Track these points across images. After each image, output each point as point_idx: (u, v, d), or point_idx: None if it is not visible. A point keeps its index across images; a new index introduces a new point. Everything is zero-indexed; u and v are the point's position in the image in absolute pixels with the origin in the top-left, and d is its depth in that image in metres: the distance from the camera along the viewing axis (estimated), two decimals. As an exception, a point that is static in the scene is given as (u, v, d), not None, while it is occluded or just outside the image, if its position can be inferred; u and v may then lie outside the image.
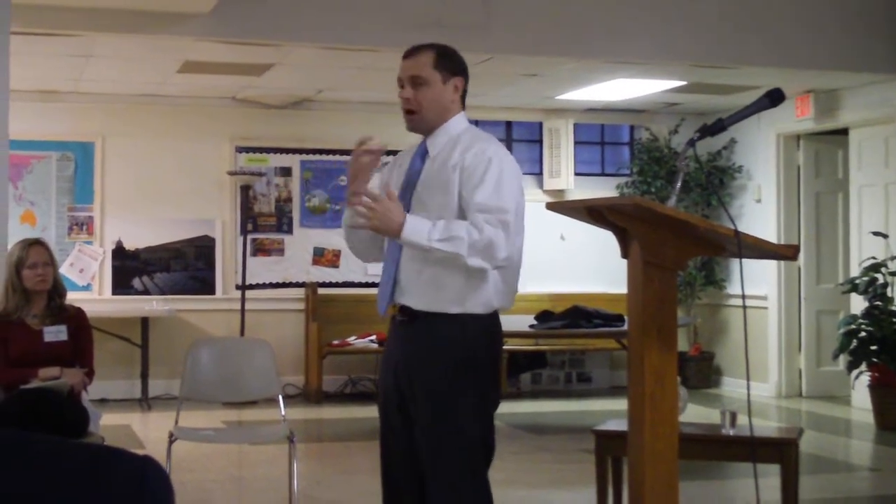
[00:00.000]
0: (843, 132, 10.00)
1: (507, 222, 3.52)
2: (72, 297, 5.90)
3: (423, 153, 3.72)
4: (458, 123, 3.73)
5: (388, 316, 3.74)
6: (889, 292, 8.86)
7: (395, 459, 3.70)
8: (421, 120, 3.67)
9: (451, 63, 3.71)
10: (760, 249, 3.81)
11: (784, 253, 4.13)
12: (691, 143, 3.67)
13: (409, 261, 3.60)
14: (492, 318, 3.67)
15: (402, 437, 3.66)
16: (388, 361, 3.74)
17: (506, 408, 9.61)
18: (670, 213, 3.54)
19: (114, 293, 9.95)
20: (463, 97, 3.77)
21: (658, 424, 3.57)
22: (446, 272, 3.55)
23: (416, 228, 3.44)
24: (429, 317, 3.60)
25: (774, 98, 3.70)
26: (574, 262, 10.94)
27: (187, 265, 10.19)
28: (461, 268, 3.50)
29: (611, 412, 8.26)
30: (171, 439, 5.38)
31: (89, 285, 9.89)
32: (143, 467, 1.53)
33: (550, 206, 3.97)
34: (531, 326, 8.15)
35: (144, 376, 9.65)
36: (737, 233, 3.47)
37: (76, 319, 5.57)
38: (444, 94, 3.68)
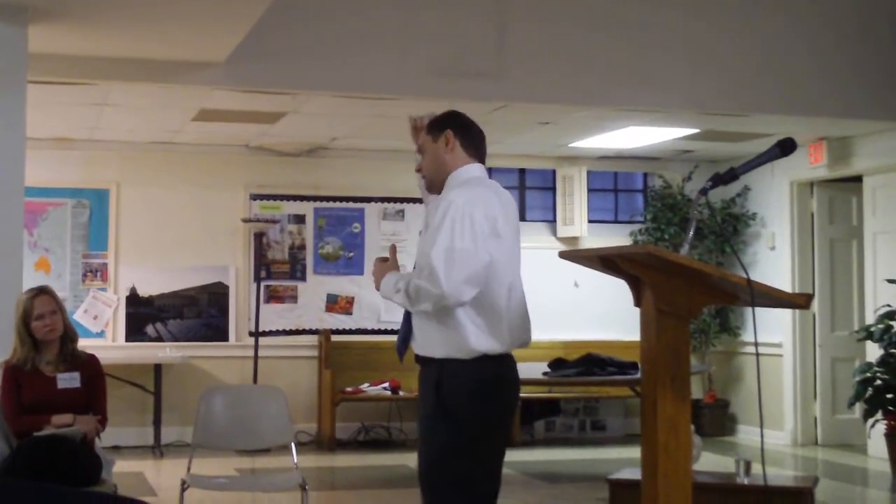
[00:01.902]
0: (857, 179, 10.00)
1: (432, 267, 3.62)
2: (85, 344, 5.92)
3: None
4: (459, 176, 3.87)
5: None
6: (904, 340, 8.82)
7: None
8: (429, 181, 3.96)
9: (439, 123, 3.96)
10: (774, 298, 3.81)
11: (797, 301, 4.12)
12: (704, 191, 3.68)
13: None
14: (477, 363, 3.71)
15: None
16: None
17: (519, 456, 9.62)
18: (683, 261, 3.54)
19: (127, 340, 9.96)
20: (467, 147, 3.91)
21: (672, 473, 3.56)
22: (425, 319, 3.76)
23: (387, 283, 3.81)
24: (423, 360, 3.82)
25: (786, 147, 3.72)
26: (588, 309, 10.92)
27: (201, 312, 10.21)
28: (433, 315, 3.71)
29: (625, 460, 8.21)
30: (184, 487, 5.36)
31: (103, 332, 9.91)
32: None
33: (563, 255, 3.98)
34: (545, 374, 8.13)
35: (157, 423, 9.63)
36: (749, 282, 3.47)
37: (89, 366, 5.58)
38: (438, 150, 3.90)
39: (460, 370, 3.70)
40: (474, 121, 4.03)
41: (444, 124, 3.94)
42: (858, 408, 9.08)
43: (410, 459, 9.38)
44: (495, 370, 3.76)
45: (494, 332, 3.73)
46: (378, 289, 3.85)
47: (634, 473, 4.27)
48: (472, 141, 3.94)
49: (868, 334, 9.02)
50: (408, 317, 3.84)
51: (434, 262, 3.63)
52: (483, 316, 3.71)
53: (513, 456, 10.03)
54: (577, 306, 10.92)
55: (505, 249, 3.79)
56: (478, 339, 3.70)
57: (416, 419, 4.10)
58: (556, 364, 8.19)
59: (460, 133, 3.92)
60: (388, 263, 3.89)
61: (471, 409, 3.70)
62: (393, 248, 3.97)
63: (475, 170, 3.91)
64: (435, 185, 3.92)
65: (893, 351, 8.77)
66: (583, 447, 10.33)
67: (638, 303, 3.71)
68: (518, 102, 8.24)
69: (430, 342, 3.76)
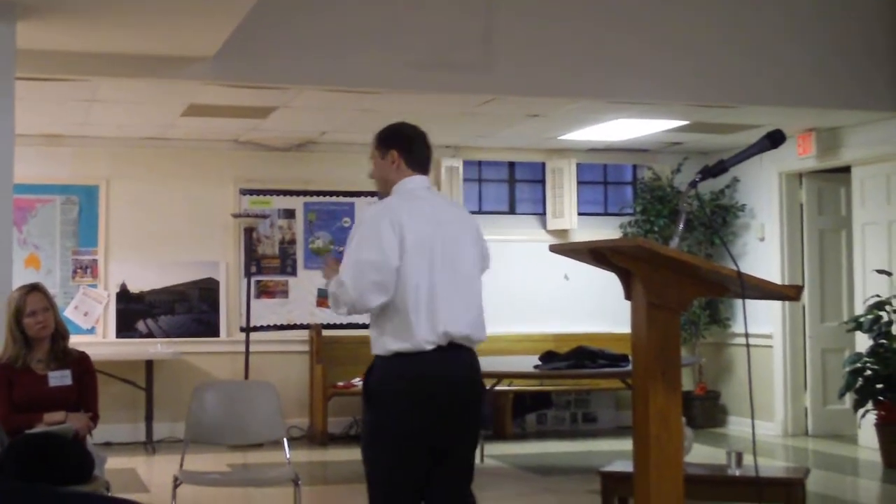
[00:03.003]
0: (846, 170, 10.02)
1: (341, 280, 4.04)
2: (76, 341, 5.91)
3: None
4: (397, 188, 4.23)
5: None
6: (894, 330, 8.85)
7: None
8: (379, 192, 4.31)
9: (387, 140, 4.28)
10: (764, 290, 3.82)
11: (787, 293, 4.13)
12: (693, 184, 3.69)
13: None
14: (394, 360, 4.06)
15: None
16: None
17: (511, 448, 9.64)
18: (673, 254, 3.55)
19: (118, 336, 9.95)
20: (410, 164, 4.25)
21: (663, 465, 3.57)
22: (370, 321, 4.16)
23: (329, 284, 4.15)
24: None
25: (775, 139, 3.73)
26: (578, 302, 10.94)
27: (191, 308, 10.20)
28: (372, 315, 4.12)
29: (617, 452, 8.24)
30: (177, 483, 5.37)
31: (93, 328, 9.90)
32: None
33: (553, 249, 3.98)
34: (536, 367, 8.15)
35: (149, 419, 9.62)
36: (739, 274, 3.48)
37: (81, 364, 5.57)
38: (384, 166, 4.25)
39: (380, 366, 4.09)
40: (421, 131, 4.32)
41: (391, 143, 4.26)
42: (849, 398, 9.11)
43: (402, 453, 9.39)
44: (409, 367, 4.04)
45: (402, 333, 4.04)
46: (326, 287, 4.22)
47: (626, 466, 4.29)
48: (416, 157, 4.27)
49: (857, 325, 9.05)
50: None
51: (342, 275, 4.04)
52: (394, 318, 4.05)
53: (504, 449, 10.11)
54: (567, 299, 10.94)
55: (422, 257, 4.06)
56: (392, 340, 4.05)
57: None
58: (547, 357, 8.21)
59: (405, 152, 4.25)
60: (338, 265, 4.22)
61: (385, 397, 4.07)
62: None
63: (412, 182, 4.24)
64: (383, 195, 4.27)
65: (883, 341, 8.80)
66: (574, 440, 10.35)
67: (628, 296, 3.72)
68: (507, 95, 8.24)
69: (372, 341, 4.16)
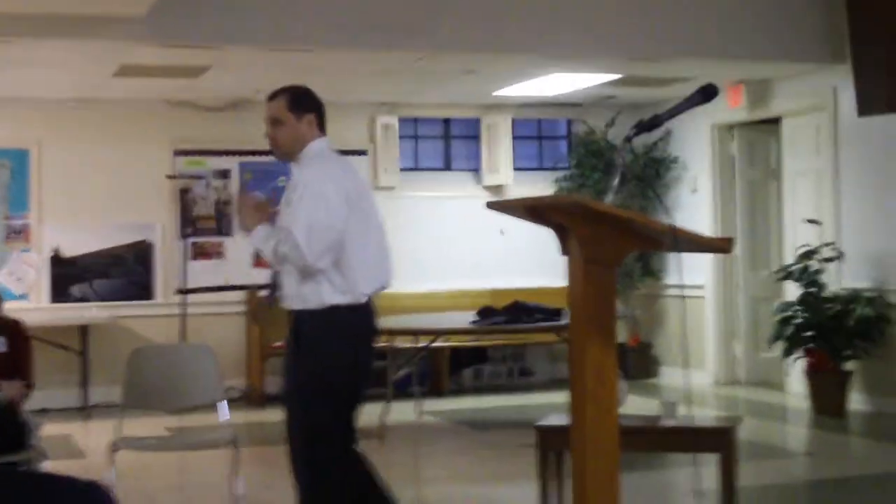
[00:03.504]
0: (776, 121, 10.15)
1: (296, 242, 4.22)
2: (9, 307, 5.85)
3: (288, 182, 4.57)
4: (310, 150, 4.45)
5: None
6: (822, 279, 9.01)
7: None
8: (281, 154, 4.51)
9: (303, 103, 4.48)
10: (696, 243, 3.87)
11: (719, 246, 4.19)
12: (628, 139, 3.73)
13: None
14: (329, 312, 4.32)
15: None
16: None
17: (448, 404, 9.70)
18: (608, 209, 3.59)
19: (52, 301, 9.85)
20: (321, 127, 4.52)
21: (599, 418, 3.63)
22: (288, 278, 4.37)
23: (259, 235, 4.39)
24: (289, 310, 4.46)
25: (708, 93, 3.77)
26: (515, 257, 10.99)
27: (126, 271, 10.11)
28: (295, 274, 4.31)
29: (553, 405, 8.33)
30: (114, 448, 5.34)
31: (27, 294, 9.79)
32: (90, 493, 1.53)
33: (491, 206, 4.00)
34: (473, 323, 8.20)
35: (85, 385, 9.56)
36: (672, 228, 3.52)
37: (14, 330, 5.53)
38: (299, 129, 4.45)
39: (319, 318, 4.31)
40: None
41: (307, 106, 4.48)
42: (779, 346, 9.27)
43: (342, 411, 9.42)
44: (350, 318, 4.35)
45: (343, 287, 4.31)
46: (247, 231, 4.43)
47: (562, 419, 4.35)
48: (323, 120, 4.54)
49: (787, 274, 9.19)
50: (276, 272, 4.48)
51: (297, 237, 4.21)
52: (339, 275, 4.30)
53: (441, 404, 10.16)
54: (503, 254, 10.99)
55: (357, 214, 4.35)
56: (331, 295, 4.30)
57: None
58: (484, 312, 8.27)
59: (319, 116, 4.51)
60: (262, 212, 4.46)
61: (326, 348, 4.32)
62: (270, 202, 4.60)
63: (323, 143, 4.50)
64: (289, 156, 4.49)
65: (812, 290, 8.95)
66: (510, 394, 10.44)
67: (564, 251, 3.75)
68: (441, 52, 8.23)
69: (293, 297, 4.37)
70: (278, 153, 4.54)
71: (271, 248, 4.32)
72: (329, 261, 4.26)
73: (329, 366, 4.34)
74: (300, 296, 4.33)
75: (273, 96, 4.52)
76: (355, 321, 4.37)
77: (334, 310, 4.30)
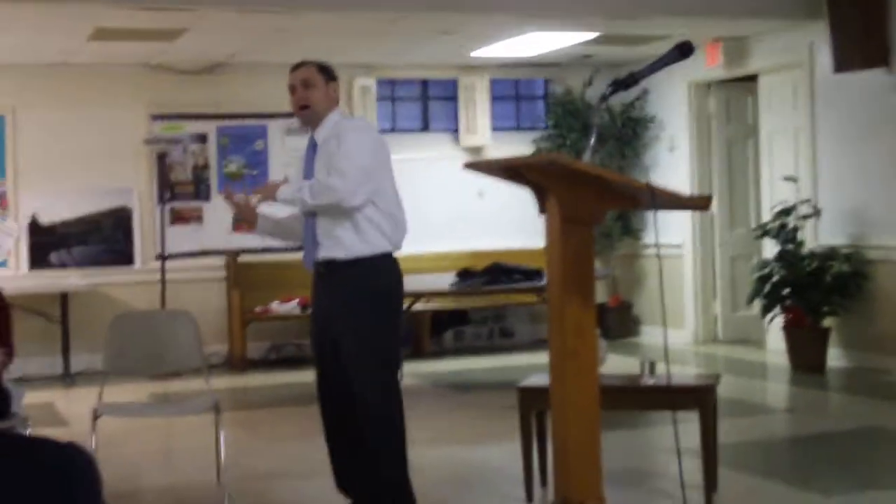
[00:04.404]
0: (753, 79, 10.16)
1: (342, 170, 4.50)
2: (-12, 275, 5.83)
3: (313, 145, 4.73)
4: (335, 116, 4.74)
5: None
6: (800, 236, 9.05)
7: (333, 394, 4.76)
8: (312, 113, 4.71)
9: (330, 71, 4.78)
10: (674, 202, 3.90)
11: (697, 204, 4.21)
12: (604, 98, 3.74)
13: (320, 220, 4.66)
14: (384, 258, 4.66)
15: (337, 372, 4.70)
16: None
17: (429, 366, 9.74)
18: (586, 169, 3.60)
19: (31, 269, 9.81)
20: (336, 100, 4.81)
21: (579, 378, 3.65)
22: (336, 225, 4.59)
23: (286, 190, 4.67)
24: (337, 263, 4.64)
25: (684, 50, 3.78)
26: (493, 218, 11.00)
27: (105, 237, 10.07)
28: (341, 224, 4.57)
29: (534, 366, 8.35)
30: (96, 415, 5.35)
31: (5, 262, 9.75)
32: (69, 454, 1.54)
33: (468, 166, 4.01)
34: (452, 285, 8.22)
35: (66, 352, 9.54)
36: (649, 186, 3.54)
37: (-7, 299, 5.49)
38: (328, 93, 4.73)
39: (372, 264, 4.62)
40: None
41: (332, 75, 4.78)
42: (757, 304, 9.33)
43: (323, 374, 9.44)
44: (394, 266, 4.72)
45: (389, 235, 4.65)
46: (275, 198, 4.69)
47: (543, 379, 4.37)
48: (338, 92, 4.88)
49: (765, 232, 9.23)
50: (311, 229, 4.67)
51: (350, 174, 4.49)
52: (378, 222, 4.61)
53: (423, 367, 10.20)
54: (482, 216, 11.00)
55: (388, 171, 4.71)
56: (381, 241, 4.62)
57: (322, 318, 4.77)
58: (464, 274, 8.28)
59: (337, 89, 4.85)
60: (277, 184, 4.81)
61: (383, 287, 4.67)
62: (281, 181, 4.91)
63: (340, 114, 4.80)
64: (318, 117, 4.71)
65: (789, 247, 9.00)
66: (492, 355, 10.48)
67: (543, 210, 3.76)
68: (417, 12, 8.19)
69: (338, 247, 4.60)
70: (308, 114, 4.71)
71: (307, 185, 4.55)
72: (364, 199, 4.52)
73: (391, 303, 4.70)
74: (347, 244, 4.58)
75: (301, 64, 4.74)
76: (397, 270, 4.73)
77: (384, 256, 4.63)
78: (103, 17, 7.93)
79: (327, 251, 4.63)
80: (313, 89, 4.69)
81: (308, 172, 4.73)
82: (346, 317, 4.64)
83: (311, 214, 4.68)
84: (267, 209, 4.94)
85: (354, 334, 4.64)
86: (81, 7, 7.43)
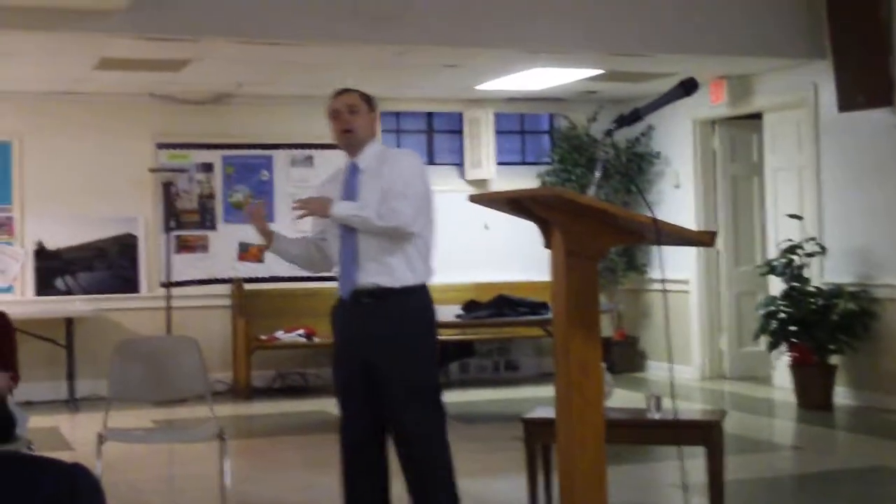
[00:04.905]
0: (758, 117, 10.19)
1: (405, 194, 4.52)
2: (-6, 301, 5.85)
3: (353, 170, 4.71)
4: (377, 145, 4.78)
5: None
6: (805, 273, 9.05)
7: (359, 425, 4.66)
8: (355, 138, 4.68)
9: (371, 101, 4.77)
10: (679, 237, 3.90)
11: (702, 240, 4.22)
12: (609, 133, 3.75)
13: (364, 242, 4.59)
14: (425, 289, 4.66)
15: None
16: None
17: (434, 398, 9.69)
18: (591, 203, 3.61)
19: (37, 294, 9.83)
20: (376, 129, 4.81)
21: (585, 411, 3.65)
22: (386, 252, 4.56)
23: (345, 206, 4.57)
24: (380, 291, 4.58)
25: (688, 87, 3.79)
26: (499, 251, 11.01)
27: (111, 264, 10.10)
28: (391, 251, 4.54)
29: (539, 399, 8.35)
30: (101, 440, 5.35)
31: (11, 287, 9.77)
32: (74, 474, 1.54)
33: (473, 199, 4.01)
34: (458, 316, 8.22)
35: (71, 377, 9.54)
36: (655, 221, 3.55)
37: None
38: (370, 121, 4.74)
39: (420, 294, 4.62)
40: None
41: (374, 105, 4.78)
42: (763, 340, 9.31)
43: (327, 405, 9.41)
44: (430, 295, 4.70)
45: (429, 266, 4.68)
46: (328, 213, 4.55)
47: (549, 412, 4.36)
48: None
49: (770, 268, 9.23)
50: (351, 254, 4.58)
51: (412, 200, 4.54)
52: (423, 253, 4.64)
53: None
54: (488, 248, 11.01)
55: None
56: (424, 272, 4.64)
57: (366, 350, 4.61)
58: (469, 306, 8.29)
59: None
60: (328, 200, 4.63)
61: (431, 321, 4.69)
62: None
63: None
64: (361, 144, 4.69)
65: (795, 284, 9.00)
66: (497, 388, 10.47)
67: (548, 244, 3.77)
68: (423, 45, 8.23)
69: (391, 274, 4.56)
70: (351, 139, 4.69)
71: (372, 213, 4.50)
72: (421, 226, 4.58)
73: (431, 333, 4.69)
74: (392, 270, 4.56)
75: (345, 90, 4.73)
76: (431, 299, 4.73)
77: (424, 287, 4.65)
78: (110, 46, 7.97)
79: (372, 277, 4.56)
80: (357, 115, 4.69)
81: (348, 197, 4.66)
82: (394, 346, 4.57)
83: (349, 235, 4.59)
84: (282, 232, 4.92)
85: (404, 364, 4.58)
86: (89, 37, 7.47)
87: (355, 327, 4.63)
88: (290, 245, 4.86)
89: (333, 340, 4.78)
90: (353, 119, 4.67)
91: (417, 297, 4.61)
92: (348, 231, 4.59)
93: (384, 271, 4.55)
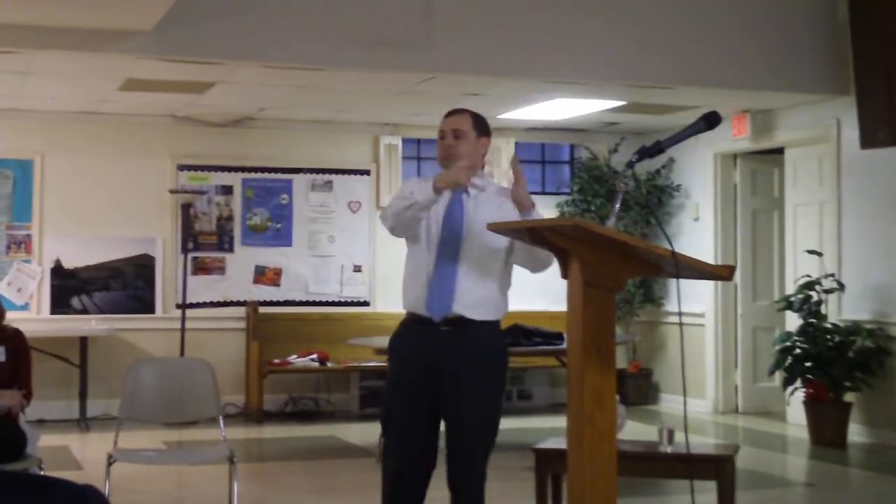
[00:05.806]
0: (779, 151, 10.17)
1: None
2: (9, 317, 5.85)
3: (460, 197, 4.41)
4: (483, 178, 4.54)
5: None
6: (823, 310, 9.00)
7: (414, 456, 4.38)
8: (450, 164, 4.34)
9: (484, 126, 4.49)
10: (697, 270, 3.87)
11: (720, 273, 4.19)
12: (630, 164, 3.74)
13: (465, 275, 4.38)
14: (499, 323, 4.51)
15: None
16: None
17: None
18: (610, 234, 3.59)
19: (52, 313, 9.85)
20: (483, 156, 4.53)
21: (597, 443, 3.62)
22: (487, 285, 4.48)
23: (538, 213, 4.44)
24: (466, 321, 4.37)
25: (711, 121, 3.78)
26: (515, 280, 10.94)
27: (127, 284, 10.11)
28: (497, 282, 4.50)
29: (551, 430, 8.32)
30: (111, 461, 5.34)
31: (27, 304, 9.79)
32: (84, 495, 1.53)
33: (491, 227, 4.01)
34: (472, 345, 8.17)
35: (83, 396, 9.55)
36: (674, 254, 3.53)
37: (14, 341, 5.52)
38: (477, 148, 4.44)
39: (495, 328, 4.48)
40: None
41: (486, 131, 4.51)
42: (778, 376, 9.26)
43: (338, 430, 9.42)
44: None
45: (507, 301, 4.56)
46: (531, 206, 4.39)
47: (560, 443, 4.34)
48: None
49: (788, 304, 9.19)
50: (449, 278, 4.35)
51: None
52: (507, 288, 4.57)
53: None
54: (504, 277, 10.97)
55: None
56: (507, 306, 4.56)
57: (433, 377, 4.35)
58: (484, 335, 8.24)
59: (488, 145, 4.57)
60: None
61: (504, 354, 4.52)
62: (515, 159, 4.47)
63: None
64: (458, 170, 4.30)
65: (812, 321, 8.95)
66: (509, 417, 10.37)
67: (565, 274, 3.75)
68: (445, 73, 8.25)
69: (486, 306, 4.42)
70: (450, 165, 4.35)
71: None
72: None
73: (505, 372, 4.53)
74: (491, 306, 4.45)
75: (455, 111, 4.48)
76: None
77: (500, 321, 4.52)
78: (134, 68, 8.01)
79: (466, 309, 4.35)
80: (463, 140, 4.39)
81: (455, 221, 4.38)
82: (474, 378, 4.33)
83: (447, 257, 4.37)
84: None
85: (481, 399, 4.39)
86: (114, 57, 7.51)
87: (422, 352, 4.33)
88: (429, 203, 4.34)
89: (392, 366, 4.47)
90: (456, 144, 4.38)
91: (500, 332, 4.52)
92: (448, 253, 4.36)
93: (480, 303, 4.39)
